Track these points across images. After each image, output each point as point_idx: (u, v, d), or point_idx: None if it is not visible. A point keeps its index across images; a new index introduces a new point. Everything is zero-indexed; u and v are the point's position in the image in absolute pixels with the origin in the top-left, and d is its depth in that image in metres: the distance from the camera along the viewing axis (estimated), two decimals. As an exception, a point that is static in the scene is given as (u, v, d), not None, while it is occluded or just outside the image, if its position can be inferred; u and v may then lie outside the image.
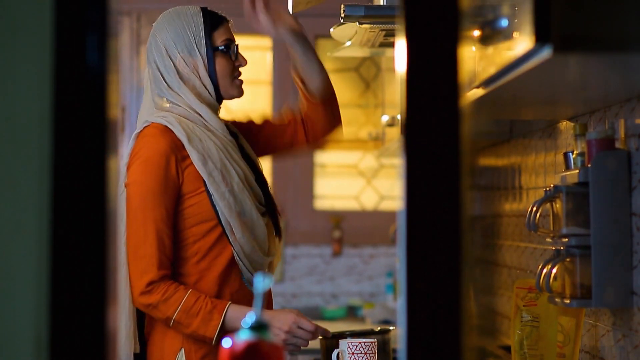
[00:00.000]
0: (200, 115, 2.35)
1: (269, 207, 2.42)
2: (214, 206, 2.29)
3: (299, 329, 2.28)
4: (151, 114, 2.38)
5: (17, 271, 1.05)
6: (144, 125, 2.33)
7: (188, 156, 2.29)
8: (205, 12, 2.40)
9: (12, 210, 1.05)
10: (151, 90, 2.40)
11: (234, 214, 2.29)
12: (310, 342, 2.48)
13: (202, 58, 2.35)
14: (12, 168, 1.06)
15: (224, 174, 2.31)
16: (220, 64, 2.37)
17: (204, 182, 2.28)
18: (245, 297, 2.34)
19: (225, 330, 2.23)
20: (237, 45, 2.42)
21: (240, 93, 2.43)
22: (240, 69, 2.42)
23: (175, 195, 2.28)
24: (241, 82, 2.43)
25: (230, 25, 2.43)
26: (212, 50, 2.36)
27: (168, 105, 2.37)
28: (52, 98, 1.05)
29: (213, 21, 2.38)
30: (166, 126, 2.30)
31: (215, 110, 2.41)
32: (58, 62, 1.05)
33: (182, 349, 2.28)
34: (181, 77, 2.36)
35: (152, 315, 2.28)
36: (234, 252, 2.32)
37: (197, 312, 2.23)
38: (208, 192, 2.28)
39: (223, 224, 2.29)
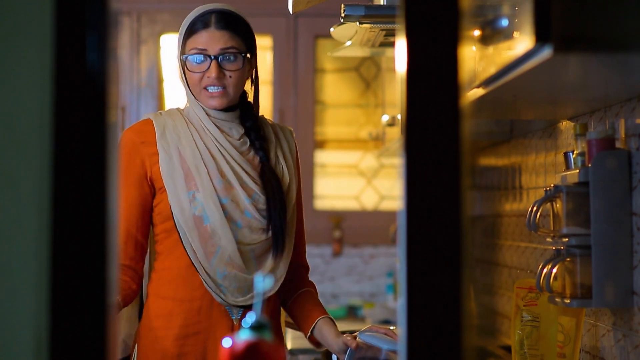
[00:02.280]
0: (196, 114, 2.37)
1: (275, 223, 2.36)
2: (171, 207, 2.30)
3: None
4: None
5: (17, 271, 1.05)
6: (142, 118, 2.39)
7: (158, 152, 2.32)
8: (196, 18, 2.33)
9: (12, 210, 1.05)
10: None
11: (187, 218, 2.28)
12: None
13: (179, 62, 2.36)
14: (12, 168, 1.06)
15: (192, 175, 2.29)
16: (186, 70, 2.34)
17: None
18: (210, 309, 2.32)
19: None
20: (212, 57, 2.30)
21: (212, 105, 2.33)
22: (213, 79, 2.31)
23: (143, 186, 2.32)
24: (214, 93, 2.32)
25: (215, 35, 2.31)
26: (181, 57, 2.34)
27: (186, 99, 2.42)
28: (52, 98, 1.05)
29: (192, 28, 2.33)
30: (151, 120, 2.36)
31: (216, 115, 2.36)
32: (58, 62, 1.05)
33: (137, 345, 2.33)
34: (180, 75, 2.40)
35: None
36: (190, 258, 2.30)
37: None
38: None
39: (177, 226, 2.29)
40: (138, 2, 4.98)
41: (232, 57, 2.32)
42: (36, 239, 1.05)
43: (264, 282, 1.38)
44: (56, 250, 1.04)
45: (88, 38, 1.05)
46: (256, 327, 1.31)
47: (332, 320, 2.43)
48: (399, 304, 1.13)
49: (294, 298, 2.46)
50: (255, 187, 2.34)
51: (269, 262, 2.36)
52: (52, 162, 1.05)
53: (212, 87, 2.32)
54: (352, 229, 5.07)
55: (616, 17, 1.44)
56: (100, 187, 1.05)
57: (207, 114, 2.36)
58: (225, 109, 2.37)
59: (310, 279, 2.55)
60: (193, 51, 2.32)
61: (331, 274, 5.02)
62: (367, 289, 5.05)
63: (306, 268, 2.53)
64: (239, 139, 2.37)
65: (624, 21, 1.44)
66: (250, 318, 1.32)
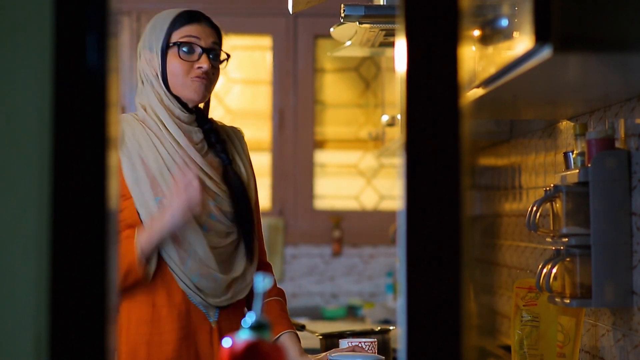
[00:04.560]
0: (159, 118, 2.33)
1: (243, 226, 2.36)
2: (140, 214, 2.28)
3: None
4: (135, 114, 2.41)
5: (17, 271, 1.05)
6: None
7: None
8: (182, 12, 2.33)
9: (12, 210, 1.05)
10: (137, 91, 2.41)
11: None
12: (309, 341, 2.46)
13: (156, 55, 2.32)
14: (12, 168, 1.06)
15: (158, 181, 2.28)
16: (171, 61, 2.31)
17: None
18: (189, 314, 2.31)
19: (149, 252, 2.24)
20: (204, 49, 2.31)
21: (195, 95, 2.32)
22: (203, 70, 2.31)
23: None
24: (199, 84, 2.31)
25: (207, 30, 2.33)
26: (166, 46, 2.31)
27: (141, 109, 2.36)
28: (52, 98, 1.05)
29: (182, 20, 2.32)
30: None
31: (180, 116, 2.34)
32: (58, 62, 1.05)
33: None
34: (145, 77, 2.35)
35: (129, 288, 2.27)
36: (167, 264, 2.29)
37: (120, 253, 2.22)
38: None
39: None
40: (138, 2, 4.98)
41: (218, 55, 2.35)
42: (36, 239, 1.05)
43: (264, 282, 1.38)
44: (56, 250, 1.04)
45: (88, 38, 1.05)
46: (256, 327, 1.31)
47: (297, 336, 2.41)
48: (399, 304, 1.13)
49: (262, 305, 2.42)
50: (217, 190, 2.33)
51: (239, 264, 2.36)
52: (52, 162, 1.05)
53: (200, 77, 2.31)
54: (351, 228, 5.06)
55: (616, 17, 1.44)
56: (100, 186, 1.05)
57: (171, 117, 2.33)
58: (189, 111, 2.36)
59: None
60: (185, 39, 2.30)
61: (331, 274, 5.02)
62: (367, 288, 5.05)
63: (268, 265, 2.52)
64: (198, 143, 2.36)
65: (624, 21, 1.44)
66: (250, 318, 1.32)
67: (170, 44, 2.31)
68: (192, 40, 2.31)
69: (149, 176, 2.28)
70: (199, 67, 2.31)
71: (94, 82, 1.05)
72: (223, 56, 2.37)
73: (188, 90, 2.32)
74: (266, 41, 5.07)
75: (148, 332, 2.29)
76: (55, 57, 1.05)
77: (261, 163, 5.06)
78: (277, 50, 5.06)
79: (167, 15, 2.35)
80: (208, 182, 2.32)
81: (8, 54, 1.06)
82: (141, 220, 2.27)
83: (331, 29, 2.81)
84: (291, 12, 2.77)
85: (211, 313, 2.32)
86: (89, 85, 1.05)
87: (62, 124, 1.05)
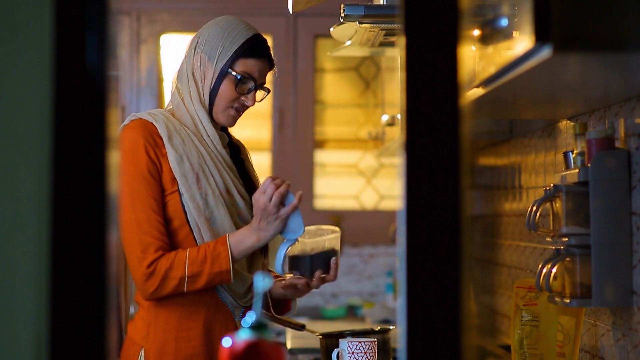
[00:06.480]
0: (197, 116, 2.37)
1: None
2: (183, 207, 2.29)
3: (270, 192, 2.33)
4: (169, 103, 2.44)
5: (17, 271, 1.05)
6: (131, 119, 2.36)
7: (166, 154, 2.31)
8: (252, 40, 2.42)
9: (12, 210, 1.05)
10: (177, 77, 2.43)
11: (202, 218, 2.29)
12: (309, 341, 2.45)
13: (214, 69, 2.36)
14: (12, 168, 1.06)
15: (200, 178, 2.31)
16: (225, 86, 2.38)
17: (177, 181, 2.30)
18: (217, 312, 2.34)
19: (235, 259, 2.28)
20: (257, 86, 2.41)
21: (228, 123, 2.42)
22: (246, 105, 2.42)
23: (159, 184, 2.30)
24: (237, 114, 2.41)
25: (265, 67, 2.45)
26: (226, 70, 2.36)
27: (179, 98, 2.39)
28: (52, 98, 1.05)
29: (250, 50, 2.40)
30: (150, 122, 2.33)
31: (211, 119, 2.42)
32: (58, 62, 1.05)
33: (142, 348, 2.30)
34: (192, 74, 2.38)
35: (166, 293, 2.26)
36: None
37: (204, 256, 2.25)
38: (180, 192, 2.29)
39: (191, 225, 2.30)
40: (138, 2, 4.98)
41: (263, 91, 2.47)
42: (36, 239, 1.05)
43: (264, 282, 1.38)
44: (56, 250, 1.04)
45: (88, 38, 1.05)
46: (256, 327, 1.31)
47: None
48: (398, 304, 1.13)
49: None
50: (243, 192, 2.40)
51: (258, 262, 2.43)
52: (52, 162, 1.05)
53: (239, 109, 2.41)
54: (351, 228, 5.06)
55: (616, 17, 1.44)
56: (100, 186, 1.05)
57: (208, 117, 2.39)
58: None
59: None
60: (246, 74, 2.39)
61: (331, 274, 5.01)
62: (367, 288, 5.05)
63: None
64: (225, 147, 2.44)
65: (624, 21, 1.44)
66: (250, 318, 1.32)
67: (231, 71, 2.36)
68: (252, 76, 2.40)
69: (194, 172, 2.32)
70: (245, 102, 2.40)
71: (94, 82, 1.05)
72: (265, 92, 2.47)
73: (224, 118, 2.40)
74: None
75: (175, 327, 2.30)
76: (55, 57, 1.05)
77: (261, 163, 5.06)
78: (277, 50, 5.06)
79: (238, 34, 2.41)
80: (237, 184, 2.39)
81: (8, 54, 1.06)
82: (186, 215, 2.28)
83: (331, 29, 2.81)
84: (291, 12, 2.77)
85: (237, 312, 2.36)
86: (89, 85, 1.05)
87: (62, 124, 1.05)
